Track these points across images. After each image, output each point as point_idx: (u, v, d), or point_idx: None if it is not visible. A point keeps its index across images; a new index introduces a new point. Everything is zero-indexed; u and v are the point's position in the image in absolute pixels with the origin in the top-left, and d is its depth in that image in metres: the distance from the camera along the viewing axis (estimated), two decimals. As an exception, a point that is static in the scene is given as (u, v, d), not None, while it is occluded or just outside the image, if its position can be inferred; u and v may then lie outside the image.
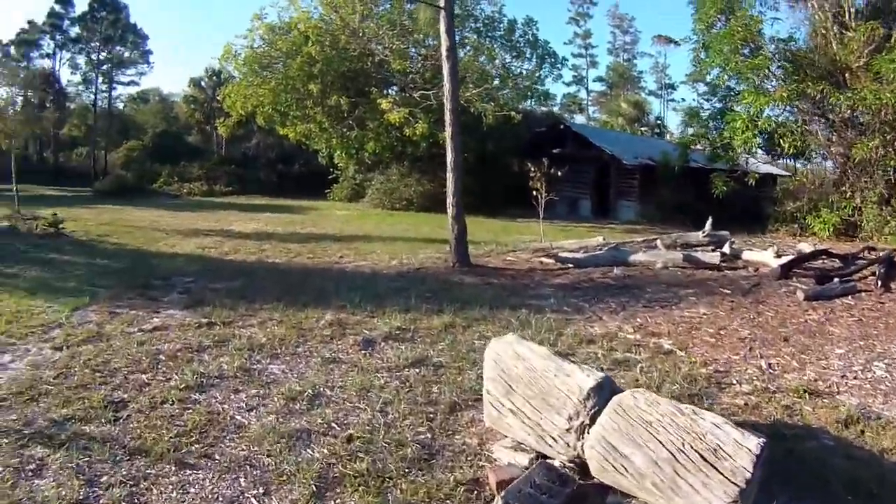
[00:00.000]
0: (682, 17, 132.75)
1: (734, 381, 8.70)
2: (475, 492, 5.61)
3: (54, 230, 21.71)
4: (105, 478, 5.63)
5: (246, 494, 5.50)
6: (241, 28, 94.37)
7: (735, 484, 4.60)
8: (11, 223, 22.11)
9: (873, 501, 5.64)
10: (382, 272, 16.59)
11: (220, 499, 5.44)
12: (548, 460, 5.74)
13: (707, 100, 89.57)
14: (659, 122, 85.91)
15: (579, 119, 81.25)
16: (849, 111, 30.08)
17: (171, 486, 5.56)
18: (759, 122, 30.25)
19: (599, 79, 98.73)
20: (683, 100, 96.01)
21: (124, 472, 5.70)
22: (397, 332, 10.42)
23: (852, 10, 32.04)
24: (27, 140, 55.79)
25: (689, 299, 14.26)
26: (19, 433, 6.35)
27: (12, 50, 65.19)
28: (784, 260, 17.98)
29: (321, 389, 7.81)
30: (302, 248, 20.85)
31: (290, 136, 37.11)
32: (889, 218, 28.06)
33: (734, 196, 33.67)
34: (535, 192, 23.56)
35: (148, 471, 5.77)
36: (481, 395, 7.01)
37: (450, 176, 17.72)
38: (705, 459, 4.78)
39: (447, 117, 17.56)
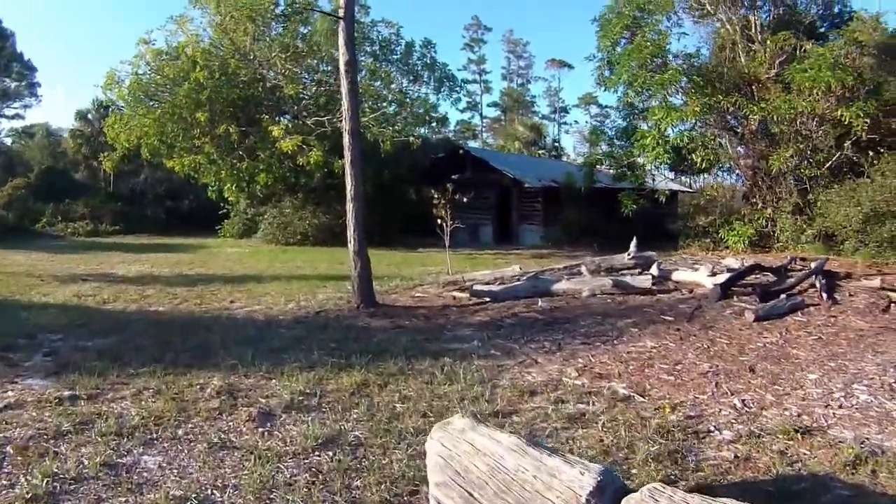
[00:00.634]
0: (576, 41, 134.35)
1: (712, 428, 7.67)
2: None
3: None
4: None
5: None
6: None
7: None
8: None
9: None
10: (278, 318, 14.81)
11: None
12: None
13: (600, 121, 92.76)
14: (556, 144, 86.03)
15: (473, 145, 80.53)
16: (756, 123, 30.25)
17: None
18: (671, 138, 29.80)
19: (494, 104, 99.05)
20: (576, 122, 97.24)
21: None
22: (300, 398, 8.71)
23: (758, 23, 32.44)
24: None
25: (631, 331, 13.11)
26: None
27: None
28: (720, 279, 17.16)
29: (209, 492, 6.04)
30: (188, 292, 18.95)
31: (177, 170, 34.86)
32: (805, 227, 28.35)
33: (638, 215, 33.27)
34: (439, 221, 22.52)
35: None
36: (417, 487, 5.72)
37: (350, 206, 16.07)
38: None
39: (346, 140, 15.92)
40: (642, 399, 8.83)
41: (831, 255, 24.96)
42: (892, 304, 15.04)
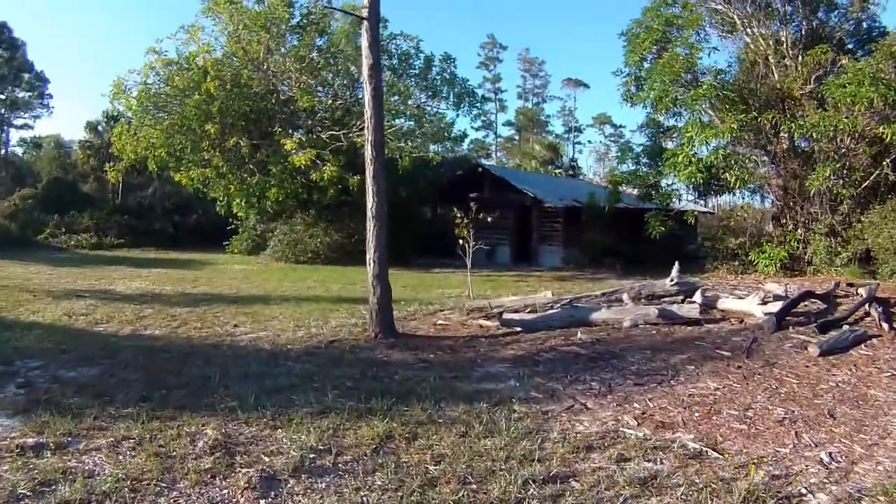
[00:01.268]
0: (592, 61, 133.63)
1: (804, 490, 6.59)
2: None
3: None
4: None
5: None
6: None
7: None
8: None
9: None
10: (286, 349, 13.22)
11: None
12: None
13: (614, 141, 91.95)
14: (573, 163, 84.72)
15: (488, 163, 79.49)
16: (787, 141, 29.61)
17: None
18: (705, 156, 28.49)
19: (508, 123, 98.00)
20: (590, 142, 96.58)
21: None
22: (312, 456, 7.16)
23: (789, 38, 31.71)
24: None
25: (687, 369, 11.72)
26: None
27: None
28: (772, 307, 15.91)
29: None
30: (189, 313, 17.40)
31: (184, 183, 33.46)
32: (840, 249, 27.44)
33: (658, 237, 32.28)
34: (461, 241, 21.61)
35: None
36: None
37: (370, 226, 14.40)
38: None
39: (368, 153, 14.30)
40: (717, 455, 7.54)
41: (867, 279, 23.87)
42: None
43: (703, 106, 28.91)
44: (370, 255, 14.33)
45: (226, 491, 6.31)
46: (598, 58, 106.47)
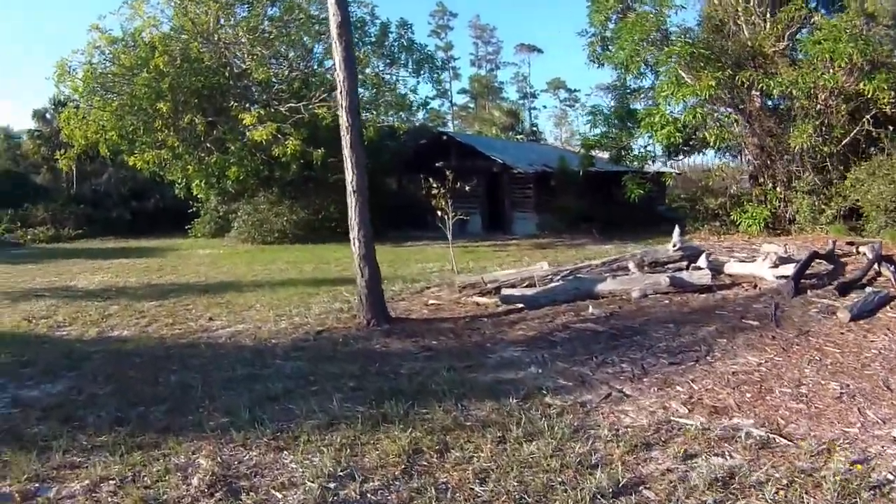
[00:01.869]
0: (544, 25, 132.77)
1: (890, 477, 5.79)
2: None
3: None
4: None
5: None
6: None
7: None
8: None
9: None
10: (271, 344, 11.90)
11: None
12: None
13: (569, 105, 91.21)
14: (534, 128, 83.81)
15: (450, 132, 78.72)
16: (759, 100, 28.90)
17: None
18: (682, 115, 27.69)
19: (463, 91, 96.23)
20: (545, 107, 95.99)
21: None
22: (332, 486, 5.90)
23: None
24: None
25: (719, 342, 10.65)
26: None
27: None
28: (785, 271, 14.96)
29: None
30: (158, 308, 15.99)
31: (139, 166, 31.99)
32: (824, 207, 26.87)
33: (625, 201, 32.42)
34: (438, 212, 20.14)
35: None
36: None
37: (352, 201, 12.98)
38: None
39: (343, 120, 12.80)
40: (787, 442, 6.64)
41: (854, 236, 23.64)
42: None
43: (678, 64, 27.73)
44: (354, 233, 12.95)
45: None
46: (549, 22, 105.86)
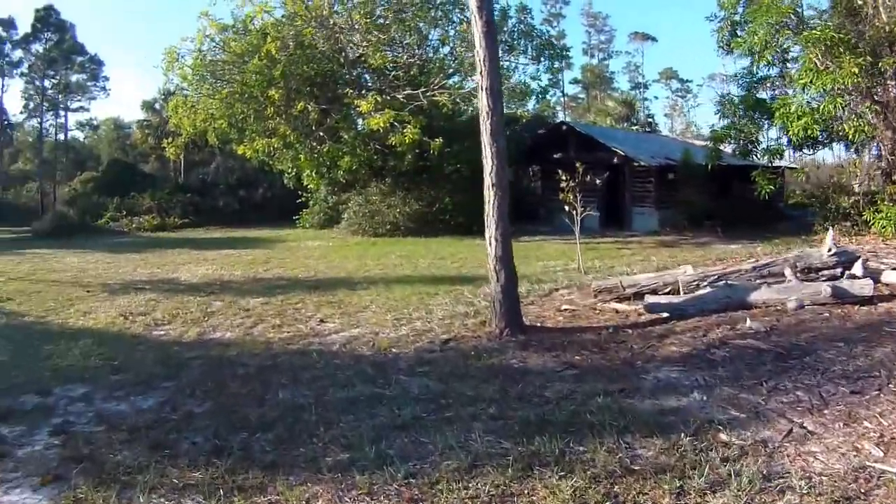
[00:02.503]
0: (656, 12, 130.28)
1: None
2: None
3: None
4: None
5: None
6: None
7: None
8: None
9: None
10: (392, 354, 10.50)
11: None
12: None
13: (682, 95, 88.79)
14: (650, 119, 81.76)
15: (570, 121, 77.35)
16: (894, 90, 26.37)
17: None
18: (822, 105, 25.13)
19: (575, 80, 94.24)
20: (656, 98, 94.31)
21: None
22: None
23: None
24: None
25: None
26: None
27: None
28: None
29: None
30: (264, 305, 14.87)
31: (248, 155, 31.27)
32: None
33: (747, 196, 31.48)
34: (567, 207, 19.23)
35: None
36: None
37: (489, 195, 11.44)
38: None
39: (483, 104, 11.27)
40: None
41: None
42: None
43: (820, 50, 25.40)
44: (490, 232, 11.38)
45: None
46: (661, 10, 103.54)
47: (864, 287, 13.04)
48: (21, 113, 65.36)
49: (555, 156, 33.87)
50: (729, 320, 11.84)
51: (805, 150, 33.55)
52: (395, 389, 8.45)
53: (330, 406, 7.80)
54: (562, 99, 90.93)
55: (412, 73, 30.76)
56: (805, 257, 15.13)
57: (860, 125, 25.63)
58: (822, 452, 6.31)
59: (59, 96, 64.17)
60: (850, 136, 26.34)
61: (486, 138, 11.16)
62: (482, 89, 11.16)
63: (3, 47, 60.62)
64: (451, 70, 31.80)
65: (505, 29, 33.78)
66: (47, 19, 60.04)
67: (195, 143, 36.91)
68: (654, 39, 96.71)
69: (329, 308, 14.34)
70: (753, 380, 8.59)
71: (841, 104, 25.28)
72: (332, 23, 29.30)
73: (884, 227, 25.09)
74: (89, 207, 47.94)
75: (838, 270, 14.72)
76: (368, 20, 28.77)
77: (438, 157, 29.28)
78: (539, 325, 12.16)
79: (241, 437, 6.96)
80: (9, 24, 60.04)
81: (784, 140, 30.33)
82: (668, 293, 13.74)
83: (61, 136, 66.99)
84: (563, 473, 5.78)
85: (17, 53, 61.59)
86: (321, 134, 29.95)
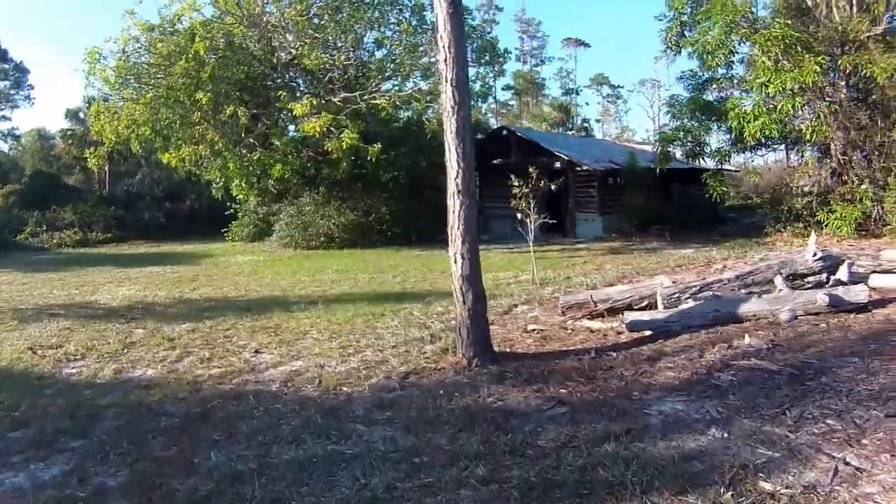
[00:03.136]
0: (588, 19, 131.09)
1: None
2: None
3: None
4: None
5: None
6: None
7: None
8: None
9: None
10: (344, 394, 8.82)
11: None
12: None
13: (612, 101, 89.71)
14: (585, 124, 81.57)
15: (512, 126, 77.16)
16: (846, 90, 26.83)
17: None
18: (780, 105, 24.75)
19: (508, 87, 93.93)
20: (587, 104, 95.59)
21: None
22: None
23: None
24: None
25: None
26: None
27: None
28: None
29: None
30: (192, 333, 13.13)
31: (174, 164, 29.54)
32: None
33: (690, 199, 32.49)
34: (518, 216, 18.50)
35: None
36: None
37: (454, 203, 9.86)
38: None
39: (448, 97, 9.77)
40: None
41: None
42: None
43: (779, 48, 25.03)
44: (456, 247, 9.75)
45: None
46: (591, 17, 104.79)
47: (860, 294, 12.18)
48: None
49: (494, 161, 33.00)
50: (722, 337, 10.68)
51: (756, 152, 33.25)
52: (354, 445, 6.84)
53: (276, 473, 6.22)
54: (493, 105, 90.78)
55: (349, 74, 29.58)
56: (790, 263, 14.05)
57: (817, 125, 25.47)
58: (879, 494, 5.46)
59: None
60: (808, 137, 26.19)
61: (450, 138, 9.65)
62: (446, 81, 9.66)
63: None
64: (388, 73, 30.49)
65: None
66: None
67: (120, 154, 35.30)
68: (587, 45, 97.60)
69: (264, 335, 12.70)
70: (773, 408, 7.43)
71: (799, 103, 24.98)
72: (264, 21, 27.77)
73: (839, 227, 24.98)
74: (8, 222, 45.63)
75: (823, 276, 13.92)
76: (303, 17, 27.30)
77: (375, 164, 27.98)
78: (508, 350, 10.69)
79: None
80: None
81: (728, 142, 30.48)
82: (644, 307, 12.65)
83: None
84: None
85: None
86: (251, 140, 28.42)
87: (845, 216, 24.95)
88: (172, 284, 21.21)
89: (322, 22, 29.20)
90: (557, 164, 33.55)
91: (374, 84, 28.06)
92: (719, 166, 30.25)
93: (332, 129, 25.48)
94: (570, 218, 34.94)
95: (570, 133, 69.76)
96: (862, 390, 7.74)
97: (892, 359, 8.82)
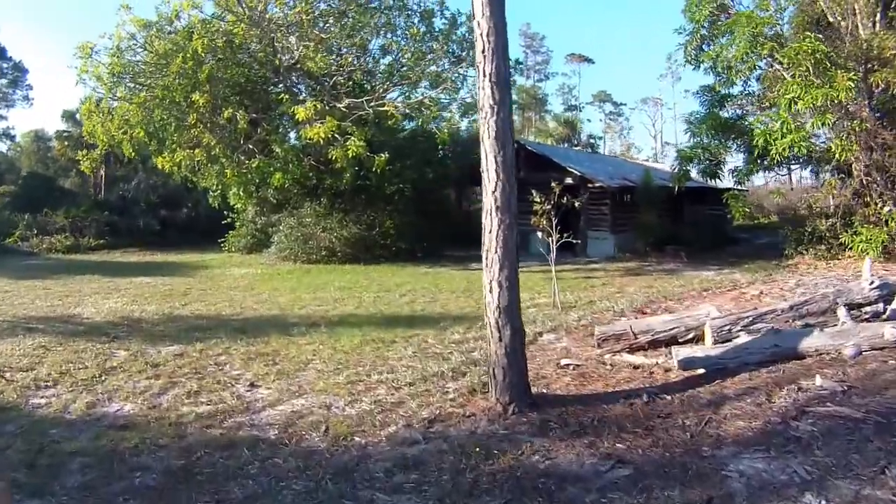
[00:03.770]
0: (592, 34, 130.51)
1: None
2: None
3: None
4: None
5: None
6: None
7: None
8: None
9: None
10: (357, 447, 7.34)
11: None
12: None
13: (614, 119, 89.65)
14: (592, 140, 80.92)
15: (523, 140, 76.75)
16: (867, 109, 25.75)
17: None
18: (810, 122, 24.35)
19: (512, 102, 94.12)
20: (589, 120, 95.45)
21: None
22: None
23: None
24: None
25: None
26: None
27: None
28: None
29: None
30: (179, 360, 11.64)
31: (167, 169, 27.99)
32: None
33: (701, 218, 32.31)
34: (539, 234, 17.70)
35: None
36: None
37: (491, 222, 8.29)
38: None
39: (486, 95, 8.27)
40: None
41: None
42: None
43: (810, 63, 23.84)
44: (493, 273, 8.24)
45: None
46: (597, 31, 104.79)
47: (926, 329, 10.69)
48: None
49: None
50: (786, 377, 9.33)
51: (776, 171, 32.25)
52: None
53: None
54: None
55: (354, 80, 28.37)
56: (846, 292, 12.61)
57: (847, 144, 24.27)
58: None
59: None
60: (837, 155, 24.72)
61: (488, 144, 8.18)
62: (484, 75, 8.22)
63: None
64: (395, 80, 29.19)
65: (454, 38, 31.11)
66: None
67: (117, 157, 33.86)
68: (590, 61, 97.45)
69: (261, 364, 11.26)
70: (869, 466, 6.33)
71: (829, 121, 24.20)
72: (267, 19, 26.40)
73: (864, 249, 23.91)
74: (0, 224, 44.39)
75: (880, 305, 12.50)
76: (307, 16, 25.93)
77: (380, 175, 26.55)
78: (545, 391, 9.22)
79: None
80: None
81: (744, 161, 30.10)
82: (689, 339, 11.33)
83: (-25, 149, 63.82)
84: None
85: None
86: (250, 146, 27.03)
87: (871, 239, 24.06)
88: (163, 298, 19.83)
89: (327, 25, 27.98)
90: (569, 180, 32.08)
91: (380, 91, 26.85)
92: (738, 186, 30.00)
93: (336, 136, 24.02)
94: (582, 236, 33.58)
95: (576, 148, 69.03)
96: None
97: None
